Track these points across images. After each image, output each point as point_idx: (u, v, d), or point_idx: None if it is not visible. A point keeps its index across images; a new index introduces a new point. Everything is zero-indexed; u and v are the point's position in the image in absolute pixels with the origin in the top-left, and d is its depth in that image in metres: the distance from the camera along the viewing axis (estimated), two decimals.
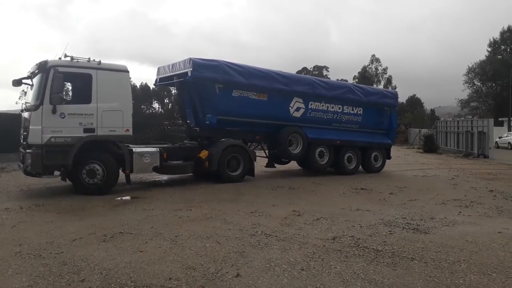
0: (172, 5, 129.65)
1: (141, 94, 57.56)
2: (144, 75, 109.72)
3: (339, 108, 13.52)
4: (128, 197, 8.72)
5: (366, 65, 67.41)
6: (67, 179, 9.14)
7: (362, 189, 10.21)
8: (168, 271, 4.29)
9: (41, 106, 8.46)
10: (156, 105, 64.14)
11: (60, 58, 8.91)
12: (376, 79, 65.31)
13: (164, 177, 12.17)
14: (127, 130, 9.40)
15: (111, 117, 9.13)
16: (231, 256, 4.78)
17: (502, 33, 54.02)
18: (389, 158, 15.34)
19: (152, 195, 9.06)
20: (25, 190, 9.69)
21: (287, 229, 6.04)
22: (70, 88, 10.41)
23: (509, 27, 53.52)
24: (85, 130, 8.83)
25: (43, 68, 8.68)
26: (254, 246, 5.16)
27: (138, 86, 59.15)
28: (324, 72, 67.53)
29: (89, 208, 7.56)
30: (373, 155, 14.43)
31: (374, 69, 67.27)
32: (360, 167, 14.15)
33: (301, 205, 7.95)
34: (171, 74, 11.60)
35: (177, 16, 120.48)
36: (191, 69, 10.47)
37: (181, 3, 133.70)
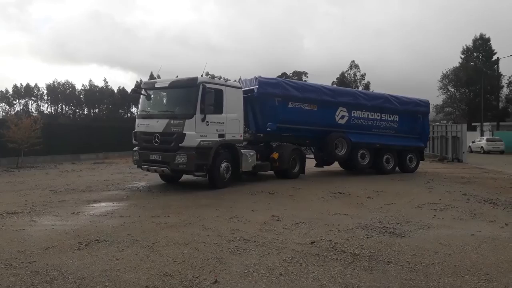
0: (139, 7, 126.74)
1: (119, 99, 56.51)
2: (119, 79, 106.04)
3: (378, 116, 15.36)
4: (103, 204, 8.57)
5: (345, 70, 68.31)
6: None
7: (340, 193, 10.31)
8: (145, 278, 4.22)
9: (194, 115, 10.01)
10: (134, 109, 62.96)
11: (202, 75, 10.53)
12: (354, 85, 66.11)
13: (142, 183, 12.06)
14: (241, 135, 11.58)
15: (233, 125, 11.16)
16: (209, 262, 4.75)
17: (475, 41, 55.68)
18: (423, 159, 17.07)
19: (130, 201, 8.93)
20: None
21: (266, 234, 6.04)
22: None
23: (481, 35, 55.29)
24: (219, 136, 10.69)
25: (193, 83, 10.21)
26: (233, 252, 5.14)
27: (116, 91, 58.07)
28: (303, 78, 67.91)
29: (63, 215, 7.38)
30: (408, 157, 16.14)
31: (352, 75, 68.22)
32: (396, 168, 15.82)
33: (280, 210, 7.96)
34: None
35: (144, 18, 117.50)
36: (257, 86, 12.51)
37: (148, 6, 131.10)
